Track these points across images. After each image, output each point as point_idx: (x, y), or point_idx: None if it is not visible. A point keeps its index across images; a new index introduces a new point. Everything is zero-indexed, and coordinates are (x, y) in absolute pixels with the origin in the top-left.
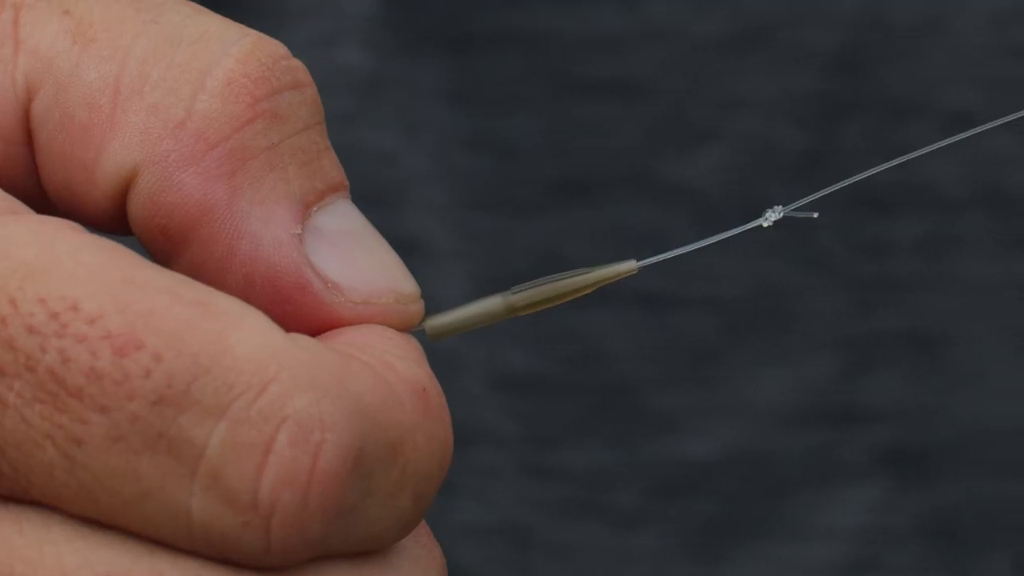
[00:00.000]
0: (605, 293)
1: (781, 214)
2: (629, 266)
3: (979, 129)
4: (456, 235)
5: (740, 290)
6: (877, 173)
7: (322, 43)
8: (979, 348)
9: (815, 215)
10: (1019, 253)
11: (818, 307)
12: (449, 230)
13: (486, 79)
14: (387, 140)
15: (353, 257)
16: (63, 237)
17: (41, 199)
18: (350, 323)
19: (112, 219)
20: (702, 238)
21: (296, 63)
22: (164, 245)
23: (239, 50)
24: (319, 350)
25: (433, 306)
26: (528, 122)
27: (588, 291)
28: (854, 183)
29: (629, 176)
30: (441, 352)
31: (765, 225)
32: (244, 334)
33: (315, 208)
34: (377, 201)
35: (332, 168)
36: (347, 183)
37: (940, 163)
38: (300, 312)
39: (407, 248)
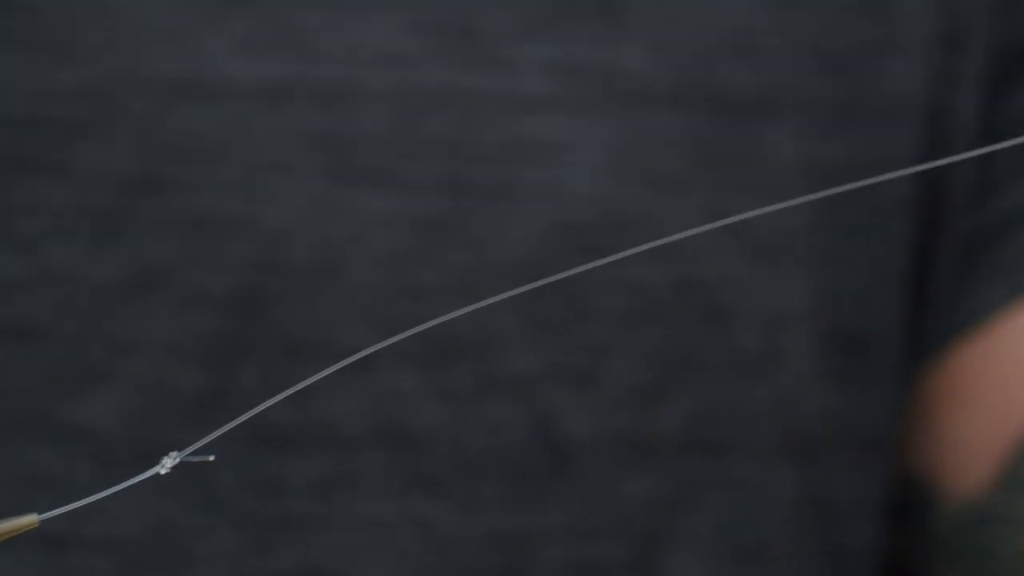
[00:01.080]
0: None
1: (177, 459)
2: (30, 520)
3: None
4: None
5: (138, 529)
6: (274, 413)
7: None
8: None
9: (211, 458)
10: (416, 490)
11: (216, 546)
12: None
13: None
14: None
15: None
16: None
17: None
18: None
19: None
20: (101, 480)
21: None
22: None
23: None
24: None
25: None
26: None
27: None
28: (249, 421)
29: (26, 420)
30: None
31: (162, 472)
32: None
33: None
34: None
35: None
36: None
37: (340, 401)
38: None
39: None
